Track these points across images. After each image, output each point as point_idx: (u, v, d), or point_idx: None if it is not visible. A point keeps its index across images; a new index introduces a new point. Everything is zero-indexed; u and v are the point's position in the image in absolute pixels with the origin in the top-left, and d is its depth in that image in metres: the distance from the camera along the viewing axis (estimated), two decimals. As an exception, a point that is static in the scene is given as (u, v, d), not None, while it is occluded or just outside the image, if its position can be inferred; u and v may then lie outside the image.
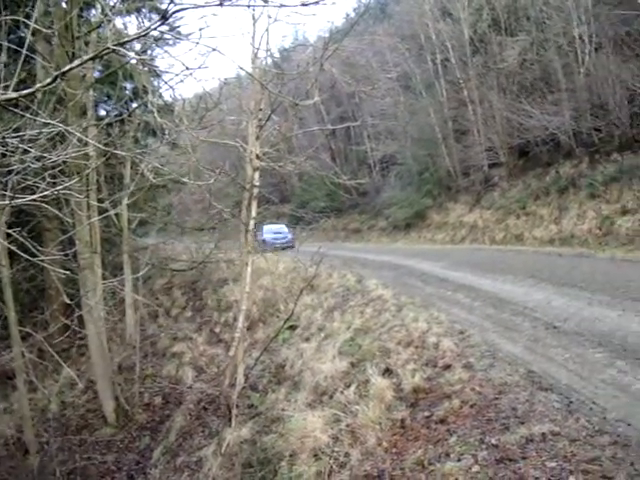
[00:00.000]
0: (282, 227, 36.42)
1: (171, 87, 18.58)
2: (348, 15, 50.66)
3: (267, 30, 10.48)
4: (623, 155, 20.45)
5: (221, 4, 3.21)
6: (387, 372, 8.73)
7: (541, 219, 22.07)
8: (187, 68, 4.74)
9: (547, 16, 24.68)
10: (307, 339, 13.03)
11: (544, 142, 25.05)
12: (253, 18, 10.68)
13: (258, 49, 10.61)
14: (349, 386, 8.72)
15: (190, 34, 11.28)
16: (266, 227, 33.92)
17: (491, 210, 26.67)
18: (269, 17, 10.08)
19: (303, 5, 3.13)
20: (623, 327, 8.56)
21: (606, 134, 21.84)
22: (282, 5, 3.47)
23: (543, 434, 5.51)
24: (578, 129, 22.98)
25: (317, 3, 3.19)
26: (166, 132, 10.88)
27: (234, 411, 9.76)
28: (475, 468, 5.35)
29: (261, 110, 10.31)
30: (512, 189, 26.77)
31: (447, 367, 8.19)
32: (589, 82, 22.40)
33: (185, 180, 10.63)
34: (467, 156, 30.61)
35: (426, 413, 7.04)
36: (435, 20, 31.80)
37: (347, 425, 7.34)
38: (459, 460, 5.59)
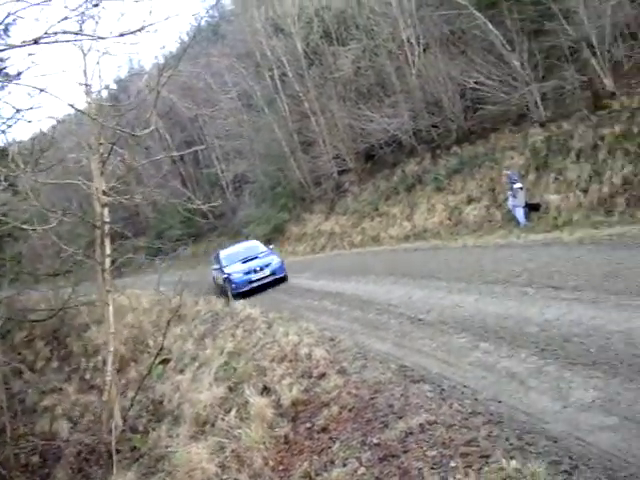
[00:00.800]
0: (255, 246, 21.36)
1: (2, 131, 17.66)
2: (182, 40, 50.39)
3: (98, 63, 10.27)
4: (462, 147, 21.62)
5: (36, 42, 3.09)
6: (265, 390, 8.70)
7: (394, 218, 22.74)
8: (17, 110, 4.55)
9: (375, 23, 25.61)
10: (181, 370, 12.77)
11: (387, 144, 25.94)
12: (82, 52, 10.42)
13: (90, 84, 10.36)
14: (229, 411, 8.61)
15: (18, 74, 10.82)
16: (224, 253, 21.24)
17: (346, 215, 27.23)
18: (97, 51, 9.87)
19: (121, 36, 3.08)
20: (481, 310, 8.99)
21: (444, 129, 22.96)
22: (99, 37, 3.40)
23: (421, 425, 5.67)
24: (417, 128, 24.00)
25: (135, 32, 3.15)
26: (2, 178, 10.34)
27: (115, 457, 9.41)
28: (361, 470, 5.42)
29: (102, 144, 10.05)
30: (363, 193, 27.48)
31: (322, 376, 8.26)
32: (422, 82, 23.45)
33: (26, 227, 10.12)
34: (316, 166, 31.13)
35: (307, 425, 7.08)
36: (268, 37, 32.14)
37: (232, 450, 7.25)
38: (344, 465, 5.64)
